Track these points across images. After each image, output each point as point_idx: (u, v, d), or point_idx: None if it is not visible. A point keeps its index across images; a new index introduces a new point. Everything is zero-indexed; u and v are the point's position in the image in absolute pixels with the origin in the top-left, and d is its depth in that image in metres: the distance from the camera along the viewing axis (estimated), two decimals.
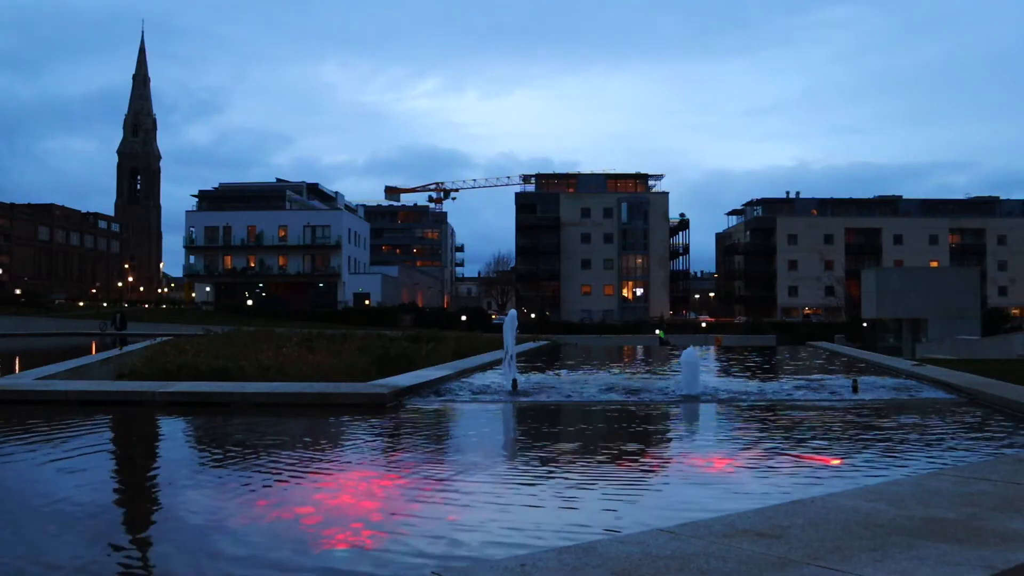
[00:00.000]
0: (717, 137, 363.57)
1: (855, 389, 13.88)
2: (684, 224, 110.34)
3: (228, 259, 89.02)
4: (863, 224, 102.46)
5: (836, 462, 8.09)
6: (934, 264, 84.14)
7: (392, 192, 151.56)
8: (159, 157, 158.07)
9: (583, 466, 7.83)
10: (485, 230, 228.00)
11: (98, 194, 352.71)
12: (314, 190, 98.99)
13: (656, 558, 3.70)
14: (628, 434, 10.44)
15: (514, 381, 14.00)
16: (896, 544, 3.94)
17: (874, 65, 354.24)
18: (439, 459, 8.46)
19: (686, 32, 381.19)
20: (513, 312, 16.55)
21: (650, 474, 7.73)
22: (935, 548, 3.86)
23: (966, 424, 10.45)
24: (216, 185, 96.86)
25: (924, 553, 3.78)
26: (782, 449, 8.74)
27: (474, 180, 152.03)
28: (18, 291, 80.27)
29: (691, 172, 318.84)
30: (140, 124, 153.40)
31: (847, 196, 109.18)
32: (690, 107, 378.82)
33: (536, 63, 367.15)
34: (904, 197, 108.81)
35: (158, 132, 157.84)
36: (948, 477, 5.78)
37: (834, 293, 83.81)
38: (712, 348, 35.52)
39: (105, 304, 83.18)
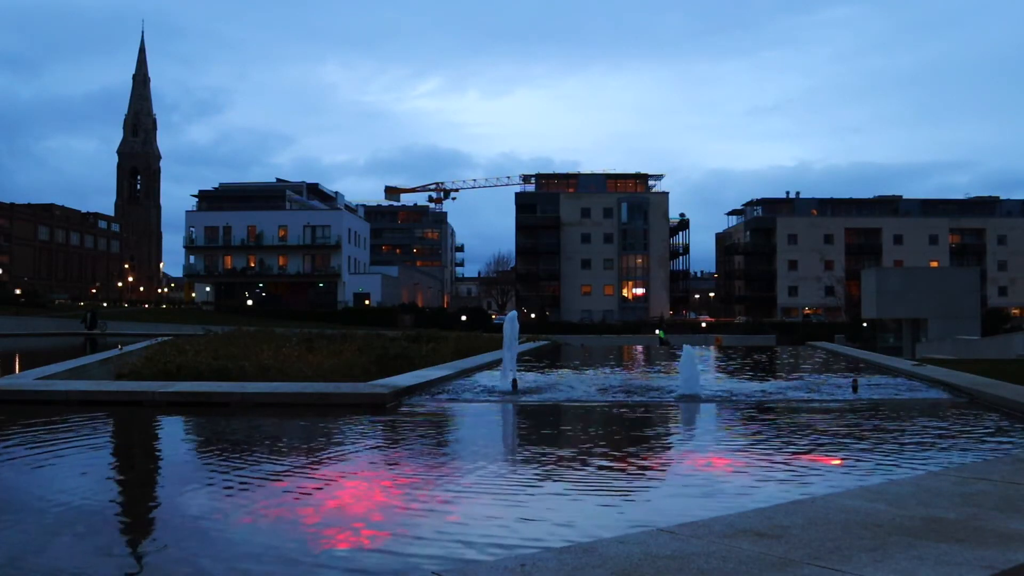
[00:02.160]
0: (717, 137, 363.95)
1: (855, 389, 13.88)
2: (684, 224, 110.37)
3: (228, 259, 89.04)
4: (863, 224, 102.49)
5: (836, 462, 8.10)
6: (934, 264, 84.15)
7: (392, 192, 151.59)
8: (159, 157, 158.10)
9: (583, 466, 7.83)
10: (485, 230, 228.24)
11: (98, 194, 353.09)
12: (314, 190, 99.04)
13: (656, 558, 3.71)
14: (628, 434, 10.45)
15: (514, 381, 14.00)
16: (896, 544, 3.94)
17: (874, 65, 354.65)
18: (439, 459, 8.46)
19: (687, 32, 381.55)
20: (513, 312, 16.56)
21: (650, 474, 7.73)
22: (935, 548, 3.86)
23: (966, 424, 10.46)
24: (216, 185, 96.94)
25: (924, 553, 3.78)
26: (781, 448, 8.74)
27: (474, 180, 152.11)
28: (18, 291, 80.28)
29: (691, 172, 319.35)
30: (140, 124, 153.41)
31: (847, 196, 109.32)
32: (690, 107, 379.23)
33: (537, 63, 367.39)
34: (904, 197, 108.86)
35: (158, 132, 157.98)
36: (948, 477, 5.78)
37: (834, 293, 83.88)
38: (712, 348, 35.54)
39: (105, 304, 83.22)
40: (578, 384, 15.46)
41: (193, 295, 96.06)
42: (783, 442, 9.26)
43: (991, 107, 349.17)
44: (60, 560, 4.95)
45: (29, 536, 5.42)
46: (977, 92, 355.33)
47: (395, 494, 6.75)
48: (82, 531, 5.57)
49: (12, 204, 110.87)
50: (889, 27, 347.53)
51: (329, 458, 8.33)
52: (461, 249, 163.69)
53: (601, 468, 7.77)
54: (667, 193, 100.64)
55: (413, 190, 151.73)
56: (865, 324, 52.57)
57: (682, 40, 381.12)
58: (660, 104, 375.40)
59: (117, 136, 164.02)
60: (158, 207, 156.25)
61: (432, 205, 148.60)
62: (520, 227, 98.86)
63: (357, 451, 8.86)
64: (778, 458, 8.16)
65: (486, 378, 16.13)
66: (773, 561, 3.67)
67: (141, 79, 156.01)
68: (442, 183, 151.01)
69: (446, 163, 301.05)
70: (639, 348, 36.25)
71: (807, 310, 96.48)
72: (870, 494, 5.14)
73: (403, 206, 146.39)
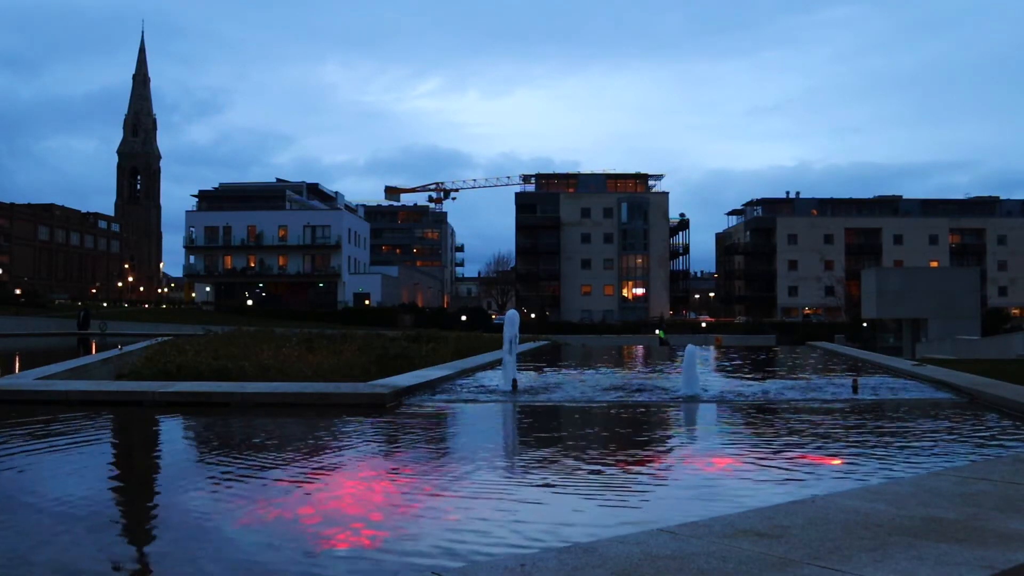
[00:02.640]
0: (718, 137, 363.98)
1: (855, 389, 13.87)
2: (684, 224, 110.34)
3: (228, 259, 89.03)
4: (863, 224, 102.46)
5: (836, 462, 8.09)
6: (934, 264, 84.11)
7: (392, 192, 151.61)
8: (159, 157, 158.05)
9: (582, 466, 7.82)
10: (485, 230, 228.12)
11: (98, 194, 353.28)
12: (314, 190, 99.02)
13: (656, 558, 3.70)
14: (628, 434, 10.44)
15: (514, 381, 13.98)
16: (896, 544, 3.93)
17: (875, 65, 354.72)
18: (438, 459, 8.46)
19: (687, 32, 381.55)
20: (513, 312, 16.52)
21: (650, 474, 7.72)
22: (935, 548, 3.85)
23: (967, 424, 10.45)
24: (216, 185, 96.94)
25: (924, 553, 3.78)
26: (782, 449, 8.73)
27: (474, 180, 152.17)
28: (18, 291, 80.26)
29: (691, 172, 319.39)
30: (140, 124, 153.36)
31: (847, 196, 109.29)
32: (691, 107, 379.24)
33: (537, 63, 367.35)
34: (904, 197, 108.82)
35: (158, 132, 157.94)
36: (948, 477, 5.77)
37: (834, 293, 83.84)
38: (712, 348, 35.52)
39: (105, 304, 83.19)
40: (578, 384, 15.44)
41: (193, 295, 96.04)
42: (784, 442, 9.25)
43: (991, 107, 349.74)
44: (51, 559, 4.93)
45: (21, 536, 5.41)
46: (977, 92, 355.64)
47: (395, 494, 6.74)
48: (78, 530, 5.56)
49: (12, 204, 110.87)
50: (889, 27, 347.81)
51: (329, 458, 8.32)
52: (461, 249, 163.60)
53: (600, 469, 7.77)
54: (667, 193, 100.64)
55: (413, 190, 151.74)
56: (865, 324, 52.55)
57: (682, 40, 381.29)
58: (660, 104, 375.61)
59: (117, 136, 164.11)
60: (158, 207, 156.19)
61: (432, 205, 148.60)
62: (520, 227, 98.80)
63: (356, 451, 8.85)
64: (779, 458, 8.15)
65: (486, 378, 16.12)
66: (773, 561, 3.67)
67: (141, 79, 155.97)
68: (442, 183, 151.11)
69: (446, 163, 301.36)
70: (639, 348, 36.23)
71: (807, 310, 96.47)
72: (870, 494, 5.14)
73: (403, 206, 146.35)
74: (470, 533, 5.37)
